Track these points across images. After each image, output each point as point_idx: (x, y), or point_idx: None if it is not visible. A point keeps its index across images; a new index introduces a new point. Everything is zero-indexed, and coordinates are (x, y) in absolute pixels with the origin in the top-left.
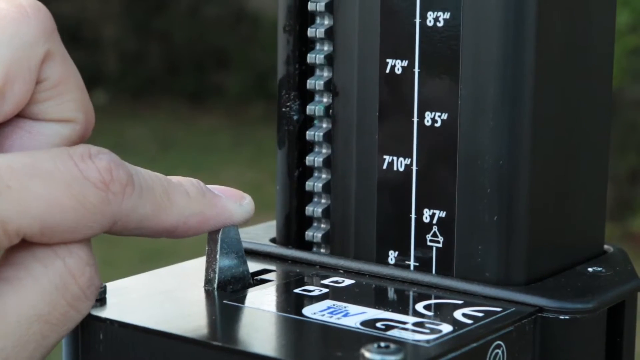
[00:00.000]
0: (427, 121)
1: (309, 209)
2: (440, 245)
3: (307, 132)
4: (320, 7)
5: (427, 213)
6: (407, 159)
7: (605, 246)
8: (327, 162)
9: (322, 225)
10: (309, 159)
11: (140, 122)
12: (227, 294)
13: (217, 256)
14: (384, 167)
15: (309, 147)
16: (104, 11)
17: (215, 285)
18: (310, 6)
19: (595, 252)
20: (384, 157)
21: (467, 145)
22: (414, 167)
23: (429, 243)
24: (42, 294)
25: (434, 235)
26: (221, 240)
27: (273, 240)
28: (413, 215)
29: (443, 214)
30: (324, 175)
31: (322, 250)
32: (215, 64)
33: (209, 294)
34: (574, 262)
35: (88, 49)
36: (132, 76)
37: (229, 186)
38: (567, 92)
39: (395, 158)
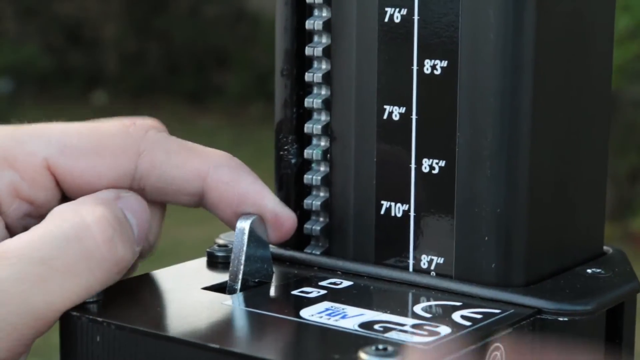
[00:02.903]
0: (425, 167)
1: (308, 251)
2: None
3: (305, 176)
4: (318, 51)
5: (424, 259)
6: (404, 205)
7: (605, 247)
8: (325, 206)
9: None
10: (307, 202)
11: None
12: (225, 296)
13: (244, 247)
14: (382, 212)
15: (306, 190)
16: (104, 11)
17: (240, 276)
18: (308, 51)
19: (595, 254)
20: (382, 202)
21: (465, 192)
22: (412, 213)
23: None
24: (47, 237)
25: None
26: (249, 231)
27: None
28: (411, 261)
29: (441, 260)
30: (321, 219)
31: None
32: (215, 64)
33: (207, 295)
34: (573, 263)
35: (88, 49)
36: (132, 76)
37: None
38: (565, 106)
39: (393, 204)
